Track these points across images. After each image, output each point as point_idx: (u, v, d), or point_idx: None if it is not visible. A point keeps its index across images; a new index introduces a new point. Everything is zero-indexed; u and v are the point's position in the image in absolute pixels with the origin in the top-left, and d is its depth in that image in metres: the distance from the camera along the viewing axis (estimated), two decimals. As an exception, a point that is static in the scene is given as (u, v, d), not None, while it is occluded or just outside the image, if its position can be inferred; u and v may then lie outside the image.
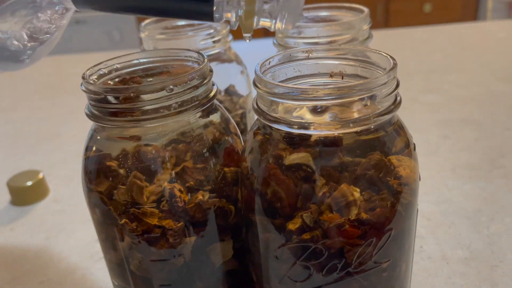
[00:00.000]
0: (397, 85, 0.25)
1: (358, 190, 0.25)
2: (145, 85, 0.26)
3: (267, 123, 0.26)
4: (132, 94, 0.26)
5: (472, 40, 0.97)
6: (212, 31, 0.41)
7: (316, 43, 0.36)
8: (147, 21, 0.43)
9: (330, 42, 0.36)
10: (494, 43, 0.94)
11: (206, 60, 0.29)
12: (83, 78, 0.28)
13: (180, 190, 0.28)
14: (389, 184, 0.25)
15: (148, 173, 0.28)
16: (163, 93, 0.26)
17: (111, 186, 0.28)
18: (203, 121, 0.30)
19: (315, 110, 0.25)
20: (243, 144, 0.31)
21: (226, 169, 0.29)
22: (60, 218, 0.50)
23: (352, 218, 0.24)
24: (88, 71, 0.29)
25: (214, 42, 0.42)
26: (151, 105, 0.26)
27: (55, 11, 0.26)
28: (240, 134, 0.33)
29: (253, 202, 0.27)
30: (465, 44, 0.95)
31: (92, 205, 0.30)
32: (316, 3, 0.41)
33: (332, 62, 0.29)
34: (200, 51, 0.31)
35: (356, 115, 0.24)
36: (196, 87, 0.27)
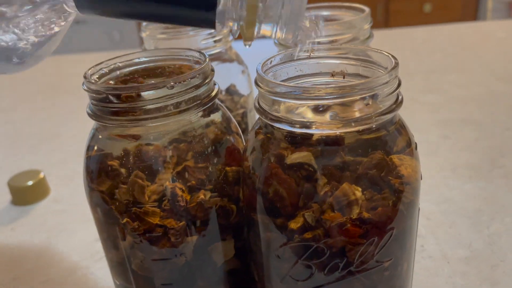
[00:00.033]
0: (399, 84, 0.25)
1: (360, 189, 0.25)
2: (146, 84, 0.26)
3: (268, 122, 0.26)
4: (133, 93, 0.26)
5: (472, 40, 0.98)
6: (213, 30, 0.41)
7: (317, 43, 0.36)
8: (148, 20, 0.43)
9: (331, 42, 0.36)
10: (494, 43, 0.94)
11: (207, 59, 0.29)
12: (85, 77, 0.28)
13: (181, 190, 0.28)
14: (391, 183, 0.25)
15: (150, 173, 0.28)
16: (165, 92, 0.26)
17: (112, 186, 0.28)
18: (205, 120, 0.30)
19: (316, 109, 0.25)
20: (244, 143, 0.31)
21: (227, 168, 0.29)
22: (60, 218, 0.50)
23: (353, 217, 0.24)
24: (90, 70, 0.29)
25: (215, 41, 0.42)
26: (152, 104, 0.26)
27: (57, 13, 0.26)
28: (241, 134, 0.33)
29: (254, 201, 0.27)
30: (465, 44, 0.95)
31: (94, 205, 0.30)
32: (317, 3, 0.41)
33: (333, 61, 0.29)
34: (202, 51, 0.31)
35: (357, 114, 0.24)
36: (197, 86, 0.27)
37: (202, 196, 0.28)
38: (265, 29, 0.25)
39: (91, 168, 0.29)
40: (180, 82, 0.26)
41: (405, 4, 2.06)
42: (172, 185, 0.28)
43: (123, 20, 0.26)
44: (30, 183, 0.53)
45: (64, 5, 0.25)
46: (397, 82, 0.25)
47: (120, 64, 0.31)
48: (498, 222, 0.44)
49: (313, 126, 0.24)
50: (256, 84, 0.26)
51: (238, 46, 0.46)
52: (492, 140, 0.58)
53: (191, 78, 0.27)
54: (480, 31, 1.04)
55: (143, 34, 0.42)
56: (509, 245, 0.41)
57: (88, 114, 0.28)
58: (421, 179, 0.27)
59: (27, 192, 0.53)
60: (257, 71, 0.26)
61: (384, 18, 2.08)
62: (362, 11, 0.39)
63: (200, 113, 0.29)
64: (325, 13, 0.41)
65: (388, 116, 0.24)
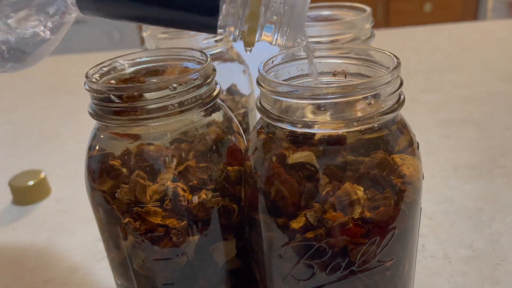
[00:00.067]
0: (401, 84, 0.25)
1: (362, 188, 0.25)
2: (148, 84, 0.26)
3: (270, 121, 0.26)
4: (135, 93, 0.26)
5: (473, 39, 0.98)
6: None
7: (318, 42, 0.36)
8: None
9: (332, 41, 0.36)
10: (494, 43, 0.94)
11: (209, 59, 0.29)
12: (87, 77, 0.28)
13: (183, 189, 0.28)
14: (393, 182, 0.25)
15: (151, 172, 0.28)
16: (167, 92, 0.26)
17: (114, 185, 0.28)
18: (206, 120, 0.30)
19: (318, 109, 0.25)
20: (246, 143, 0.31)
21: (229, 168, 0.29)
22: (62, 218, 0.50)
23: (355, 217, 0.24)
24: (91, 70, 0.29)
25: (216, 41, 0.42)
26: (154, 104, 0.26)
27: (58, 12, 0.26)
28: (243, 133, 0.33)
29: (256, 201, 0.27)
30: (465, 44, 0.95)
31: (96, 204, 0.30)
32: (318, 2, 0.41)
33: (335, 61, 0.29)
34: (203, 50, 0.31)
35: (359, 114, 0.24)
36: (199, 86, 0.27)
37: (203, 196, 0.28)
38: (266, 35, 0.26)
39: (93, 167, 0.29)
40: (182, 82, 0.26)
41: (405, 4, 2.06)
42: (173, 185, 0.28)
43: (124, 21, 0.26)
44: (31, 183, 0.53)
45: (66, 5, 0.25)
46: (399, 81, 0.25)
47: (121, 64, 0.31)
48: (499, 222, 0.44)
49: (315, 125, 0.24)
50: (258, 83, 0.26)
51: (239, 46, 0.46)
52: (492, 140, 0.58)
53: (193, 78, 0.27)
54: (480, 31, 1.04)
55: (144, 34, 0.42)
56: (510, 244, 0.41)
57: (90, 113, 0.28)
58: (423, 178, 0.27)
59: (28, 192, 0.53)
60: (259, 70, 0.26)
61: (385, 18, 2.08)
62: (363, 10, 0.39)
63: (202, 113, 0.29)
64: (326, 12, 0.41)
65: (390, 116, 0.24)
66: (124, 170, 0.28)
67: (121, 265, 0.31)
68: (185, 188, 0.28)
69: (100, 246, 0.45)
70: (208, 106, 0.29)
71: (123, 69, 0.31)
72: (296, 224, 0.25)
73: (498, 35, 0.99)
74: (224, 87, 0.45)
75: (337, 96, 0.23)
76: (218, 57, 0.43)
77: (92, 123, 0.30)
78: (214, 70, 0.30)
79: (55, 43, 0.27)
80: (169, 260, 0.29)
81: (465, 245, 0.41)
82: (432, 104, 0.70)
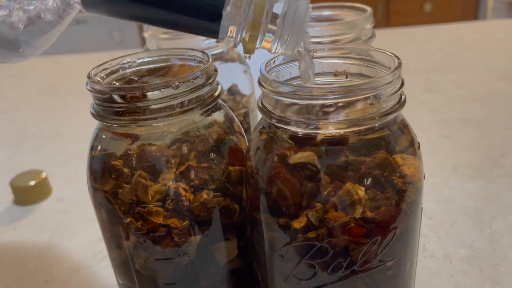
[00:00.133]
0: (402, 84, 0.25)
1: (363, 188, 0.25)
2: (150, 84, 0.27)
3: (272, 122, 0.26)
4: (138, 94, 0.26)
5: (473, 39, 0.98)
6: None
7: (319, 43, 0.36)
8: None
9: (333, 42, 0.36)
10: (494, 43, 0.94)
11: (210, 59, 0.29)
12: (89, 77, 0.28)
13: (185, 189, 0.28)
14: (394, 182, 0.25)
15: (153, 172, 0.28)
16: (169, 92, 0.26)
17: (116, 185, 0.28)
18: (208, 120, 0.30)
19: (320, 109, 0.25)
20: (247, 143, 0.31)
21: (230, 168, 0.30)
22: (63, 218, 0.50)
23: (357, 217, 0.25)
24: (93, 70, 0.29)
25: (217, 41, 0.42)
26: (157, 104, 0.26)
27: (60, 5, 0.26)
28: (244, 133, 0.33)
29: (258, 201, 0.27)
30: (465, 44, 0.95)
31: (97, 204, 0.30)
32: (319, 3, 0.41)
33: (336, 61, 0.29)
34: (204, 51, 0.31)
35: (361, 114, 0.24)
36: (201, 86, 0.28)
37: (205, 196, 0.28)
38: (266, 43, 0.26)
39: (95, 168, 0.29)
40: (184, 82, 0.27)
41: (405, 4, 2.06)
42: (175, 185, 0.28)
43: (127, 20, 0.26)
44: (32, 183, 0.53)
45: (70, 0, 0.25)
46: (400, 82, 0.25)
47: (123, 64, 0.31)
48: (500, 221, 0.44)
49: (316, 126, 0.24)
50: (260, 84, 0.26)
51: (240, 47, 0.46)
52: (492, 140, 0.58)
53: (194, 78, 0.27)
54: (480, 30, 1.04)
55: (145, 34, 0.42)
56: (510, 244, 0.41)
57: (92, 114, 0.28)
58: (424, 178, 0.27)
59: (29, 192, 0.53)
60: (260, 71, 0.26)
61: (385, 18, 2.08)
62: (364, 11, 0.39)
63: (204, 113, 0.29)
64: (327, 13, 0.41)
65: (392, 116, 0.25)
66: (126, 170, 0.28)
67: (122, 265, 0.31)
68: (187, 188, 0.28)
69: (101, 246, 0.45)
70: (210, 106, 0.29)
71: (125, 70, 0.31)
72: (297, 224, 0.25)
73: (498, 35, 0.99)
74: (225, 87, 0.45)
75: (339, 96, 0.23)
76: (219, 57, 0.43)
77: (93, 123, 0.30)
78: (216, 70, 0.30)
79: (53, 37, 0.27)
80: (171, 260, 0.29)
81: (466, 245, 0.41)
82: (432, 104, 0.70)
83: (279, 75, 0.28)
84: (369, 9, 0.39)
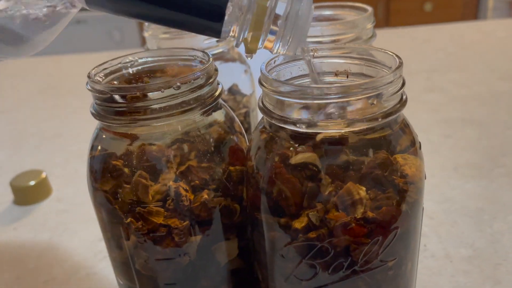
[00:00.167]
0: (403, 84, 0.25)
1: (364, 188, 0.25)
2: (151, 84, 0.26)
3: (273, 121, 0.26)
4: (138, 93, 0.26)
5: (473, 39, 0.98)
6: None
7: (320, 42, 0.36)
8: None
9: (334, 41, 0.36)
10: (495, 42, 0.94)
11: (211, 59, 0.29)
12: (89, 77, 0.28)
13: (185, 189, 0.28)
14: (395, 182, 0.25)
15: (153, 172, 0.28)
16: (169, 92, 0.26)
17: (116, 185, 0.28)
18: (208, 120, 0.30)
19: (320, 109, 0.25)
20: (248, 143, 0.31)
21: (231, 168, 0.29)
22: (63, 218, 0.50)
23: (358, 217, 0.24)
24: (94, 70, 0.29)
25: (217, 41, 0.42)
26: (157, 104, 0.26)
27: (62, 2, 0.26)
28: (244, 133, 0.33)
29: (258, 201, 0.27)
30: (466, 43, 0.95)
31: (98, 204, 0.30)
32: (320, 2, 0.41)
33: (337, 61, 0.29)
34: (204, 50, 0.31)
35: (362, 114, 0.24)
36: (201, 86, 0.27)
37: (205, 196, 0.28)
38: (268, 44, 0.26)
39: (95, 168, 0.29)
40: (185, 82, 0.26)
41: (405, 3, 2.06)
42: (175, 185, 0.28)
43: (127, 18, 0.26)
44: (32, 183, 0.53)
45: None
46: (402, 81, 0.25)
47: (125, 63, 0.31)
48: (501, 221, 0.44)
49: (317, 125, 0.24)
50: (260, 83, 0.26)
51: (241, 46, 0.46)
52: (493, 139, 0.58)
53: (195, 78, 0.27)
54: (481, 30, 1.04)
55: (146, 34, 0.42)
56: (511, 244, 0.41)
57: (92, 114, 0.28)
58: (425, 178, 0.27)
59: (29, 192, 0.53)
60: (261, 70, 0.26)
61: (385, 17, 2.08)
62: (365, 10, 0.39)
63: (204, 113, 0.29)
64: (327, 12, 0.41)
65: (393, 116, 0.24)
66: (126, 170, 0.28)
67: (123, 265, 0.31)
68: (187, 188, 0.28)
69: (101, 246, 0.45)
70: (210, 106, 0.29)
71: (127, 69, 0.31)
72: (298, 224, 0.25)
73: (499, 35, 0.99)
74: (226, 87, 0.45)
75: (340, 96, 0.23)
76: (220, 57, 0.43)
77: (93, 123, 0.30)
78: (216, 70, 0.30)
79: (54, 33, 0.27)
80: (171, 260, 0.29)
81: (466, 244, 0.41)
82: (433, 103, 0.70)
83: (280, 74, 0.28)
84: (369, 8, 0.38)
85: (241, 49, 0.27)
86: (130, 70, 0.31)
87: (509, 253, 0.40)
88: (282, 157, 0.26)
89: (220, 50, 0.42)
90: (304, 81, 0.29)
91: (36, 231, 0.49)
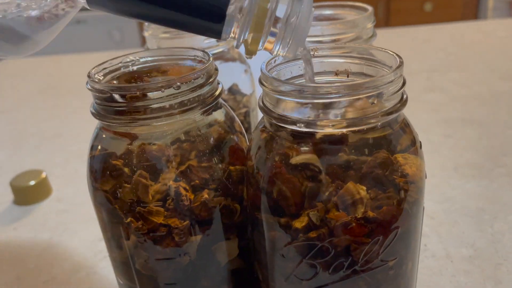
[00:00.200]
0: (404, 83, 0.25)
1: (365, 188, 0.25)
2: (151, 83, 0.26)
3: (273, 121, 0.26)
4: (138, 93, 0.26)
5: (473, 39, 0.98)
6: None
7: (320, 42, 0.36)
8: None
9: (334, 41, 0.36)
10: (495, 42, 0.94)
11: (211, 58, 0.29)
12: (89, 76, 0.28)
13: (185, 189, 0.28)
14: (396, 182, 0.25)
15: (153, 172, 0.28)
16: (170, 91, 0.26)
17: (116, 185, 0.28)
18: (208, 119, 0.30)
19: (321, 108, 0.25)
20: (248, 142, 0.31)
21: (231, 167, 0.29)
22: (63, 218, 0.50)
23: (358, 216, 0.24)
24: (94, 69, 0.29)
25: (217, 41, 0.42)
26: (157, 103, 0.26)
27: (63, 0, 0.26)
28: (245, 133, 0.33)
29: (259, 201, 0.27)
30: (466, 43, 0.95)
31: (98, 204, 0.30)
32: (320, 2, 0.41)
33: (337, 60, 0.29)
34: (205, 50, 0.31)
35: (362, 113, 0.24)
36: (201, 85, 0.27)
37: (206, 196, 0.28)
38: (268, 45, 0.26)
39: (95, 167, 0.29)
40: (185, 82, 0.26)
41: (406, 3, 2.06)
42: (176, 185, 0.28)
43: (128, 18, 0.26)
44: (32, 183, 0.53)
45: None
46: (402, 81, 0.25)
47: (123, 64, 0.31)
48: (501, 221, 0.44)
49: (318, 125, 0.24)
50: (261, 83, 0.26)
51: (242, 47, 0.46)
52: (494, 139, 0.58)
53: (195, 78, 0.27)
54: (481, 30, 1.04)
55: (146, 34, 0.42)
56: (512, 244, 0.41)
57: (92, 113, 0.28)
58: (426, 177, 0.27)
59: (29, 192, 0.53)
60: (261, 70, 0.26)
61: (385, 17, 2.08)
62: (365, 10, 0.39)
63: (204, 112, 0.29)
64: (328, 12, 0.41)
65: (393, 115, 0.24)
66: (126, 169, 0.28)
67: (123, 265, 0.31)
68: (187, 187, 0.28)
69: (101, 245, 0.45)
70: (210, 105, 0.29)
71: (125, 69, 0.31)
72: (299, 224, 0.25)
73: (499, 34, 0.99)
74: (226, 86, 0.45)
75: (340, 95, 0.23)
76: (220, 56, 0.43)
77: (93, 123, 0.30)
78: (216, 69, 0.30)
79: (54, 32, 0.27)
80: (171, 260, 0.29)
81: (467, 244, 0.41)
82: (433, 103, 0.70)
83: (280, 74, 0.28)
84: (370, 8, 0.38)
85: (242, 49, 0.27)
86: (130, 70, 0.31)
87: (510, 253, 0.40)
88: (283, 157, 0.26)
89: (220, 49, 0.42)
90: (304, 80, 0.29)
91: (36, 231, 0.49)
